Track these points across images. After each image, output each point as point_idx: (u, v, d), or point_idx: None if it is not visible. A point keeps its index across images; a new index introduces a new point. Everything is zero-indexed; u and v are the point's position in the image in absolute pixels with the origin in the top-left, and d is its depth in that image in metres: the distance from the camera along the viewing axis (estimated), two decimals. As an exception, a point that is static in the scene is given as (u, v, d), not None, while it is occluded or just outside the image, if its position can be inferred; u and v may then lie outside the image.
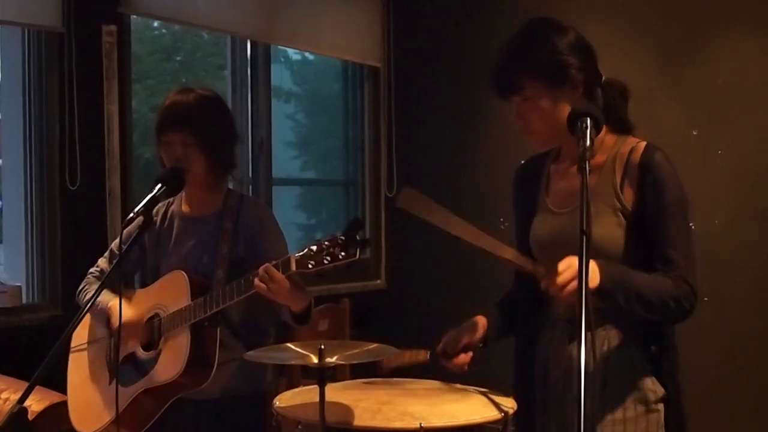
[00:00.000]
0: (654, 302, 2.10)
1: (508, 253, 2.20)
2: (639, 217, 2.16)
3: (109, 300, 2.79)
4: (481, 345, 2.39)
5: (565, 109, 2.16)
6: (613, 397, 2.18)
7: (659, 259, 2.14)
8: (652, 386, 2.20)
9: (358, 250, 2.31)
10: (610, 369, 2.17)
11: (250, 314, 2.76)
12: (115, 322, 2.73)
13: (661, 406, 2.20)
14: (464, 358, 2.37)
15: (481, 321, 2.40)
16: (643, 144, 2.22)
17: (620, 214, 2.18)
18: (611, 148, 2.25)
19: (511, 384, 2.43)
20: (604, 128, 2.24)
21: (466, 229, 2.23)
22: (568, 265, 2.01)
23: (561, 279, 2.00)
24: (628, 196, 2.18)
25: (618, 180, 2.20)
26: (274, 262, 2.45)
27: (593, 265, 2.01)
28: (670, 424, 2.21)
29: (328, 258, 2.32)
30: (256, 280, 2.44)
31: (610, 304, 2.09)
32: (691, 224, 2.22)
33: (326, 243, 2.34)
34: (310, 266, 2.36)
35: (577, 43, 2.24)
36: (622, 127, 2.30)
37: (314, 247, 2.36)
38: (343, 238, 2.32)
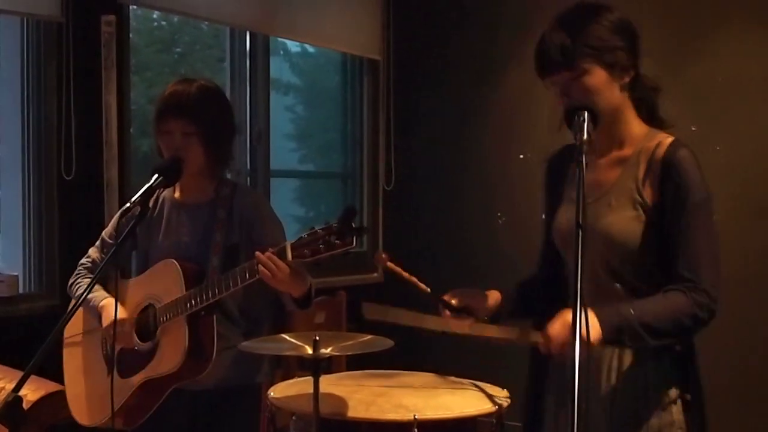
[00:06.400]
0: (666, 327, 2.06)
1: (493, 330, 2.20)
2: (658, 214, 2.12)
3: (101, 298, 2.78)
4: (486, 318, 2.35)
5: (614, 93, 2.15)
6: (624, 398, 2.16)
7: (679, 262, 2.09)
8: (667, 388, 2.16)
9: (354, 238, 2.30)
10: (620, 383, 2.16)
11: (245, 303, 2.76)
12: (105, 322, 2.73)
13: (674, 408, 2.16)
14: (462, 321, 2.33)
15: (494, 295, 2.36)
16: (670, 140, 2.18)
17: (640, 209, 2.14)
18: (640, 141, 2.21)
19: (528, 367, 2.39)
20: (635, 121, 2.23)
21: (439, 322, 2.24)
22: (560, 327, 2.01)
23: (555, 346, 2.01)
24: (649, 192, 2.14)
25: (641, 174, 2.16)
26: (271, 250, 2.45)
27: (591, 318, 1.96)
28: (693, 426, 2.16)
29: (324, 246, 2.31)
30: (261, 267, 2.43)
31: (618, 345, 2.09)
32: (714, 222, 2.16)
33: (321, 231, 2.32)
34: (306, 254, 2.35)
35: (629, 27, 2.21)
36: (653, 121, 2.26)
37: (309, 236, 2.35)
38: (337, 226, 2.30)
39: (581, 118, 1.98)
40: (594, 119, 2.00)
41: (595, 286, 2.15)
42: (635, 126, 2.23)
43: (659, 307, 2.07)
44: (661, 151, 2.15)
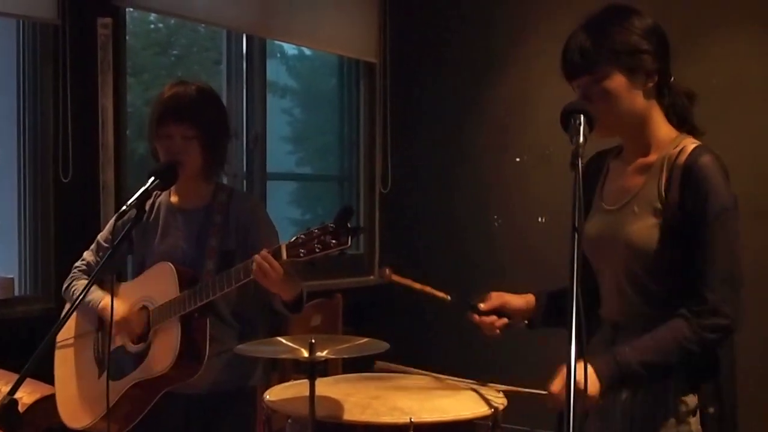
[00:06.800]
0: (670, 359, 2.02)
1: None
2: (677, 222, 2.06)
3: (100, 298, 2.77)
4: (526, 323, 2.35)
5: (637, 98, 2.11)
6: (642, 410, 2.12)
7: (694, 277, 2.05)
8: (685, 398, 2.09)
9: (349, 238, 2.28)
10: (640, 388, 2.11)
11: (240, 306, 2.75)
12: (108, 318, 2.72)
13: (692, 420, 2.10)
14: (495, 319, 2.33)
15: (528, 299, 2.35)
16: (694, 145, 2.11)
17: (660, 216, 2.08)
18: (665, 147, 2.14)
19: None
20: (663, 127, 2.17)
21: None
22: (562, 384, 1.94)
23: (558, 404, 1.97)
24: (669, 199, 2.08)
25: (663, 181, 2.10)
26: (266, 249, 2.44)
27: (590, 374, 1.93)
28: None
29: (320, 246, 2.31)
30: (254, 266, 2.43)
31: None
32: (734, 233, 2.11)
33: (317, 231, 2.32)
34: (301, 254, 2.34)
35: (656, 32, 2.17)
36: (684, 127, 2.21)
37: (305, 235, 2.34)
38: (333, 225, 2.29)
39: (577, 122, 1.91)
40: (590, 122, 1.92)
41: (620, 297, 2.15)
42: (663, 132, 2.17)
43: (659, 343, 2.02)
44: (683, 157, 2.09)
